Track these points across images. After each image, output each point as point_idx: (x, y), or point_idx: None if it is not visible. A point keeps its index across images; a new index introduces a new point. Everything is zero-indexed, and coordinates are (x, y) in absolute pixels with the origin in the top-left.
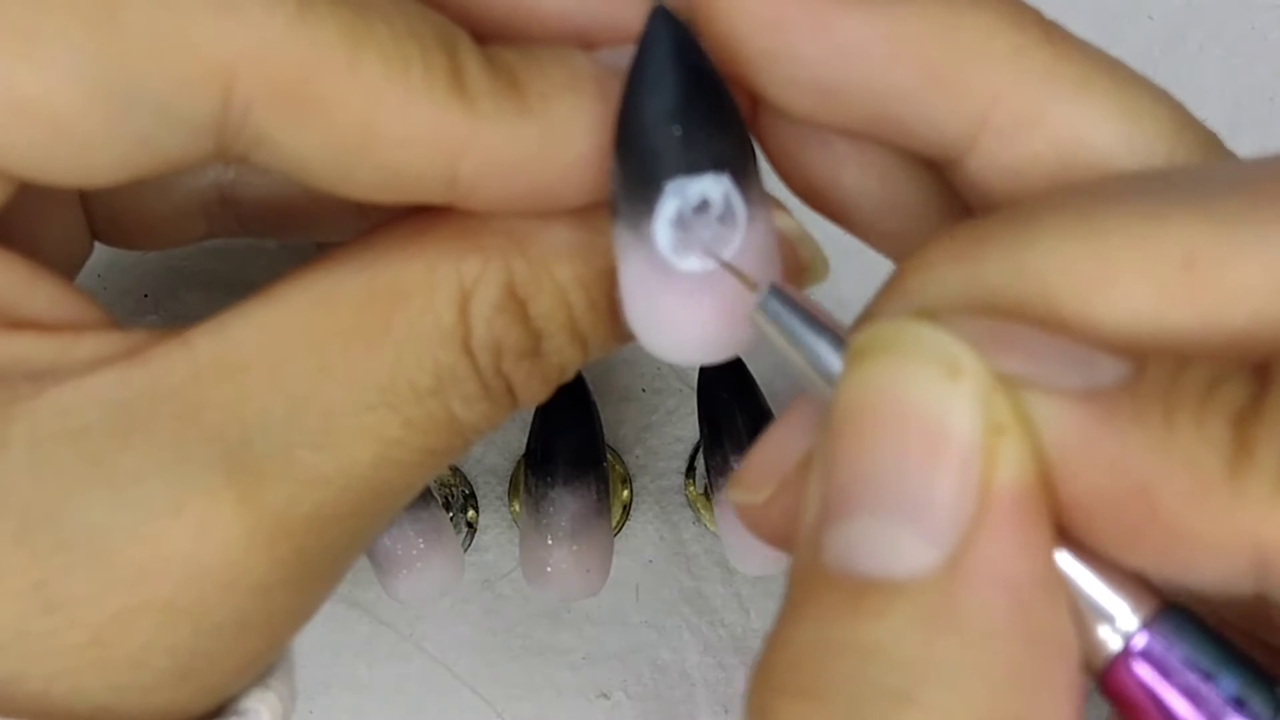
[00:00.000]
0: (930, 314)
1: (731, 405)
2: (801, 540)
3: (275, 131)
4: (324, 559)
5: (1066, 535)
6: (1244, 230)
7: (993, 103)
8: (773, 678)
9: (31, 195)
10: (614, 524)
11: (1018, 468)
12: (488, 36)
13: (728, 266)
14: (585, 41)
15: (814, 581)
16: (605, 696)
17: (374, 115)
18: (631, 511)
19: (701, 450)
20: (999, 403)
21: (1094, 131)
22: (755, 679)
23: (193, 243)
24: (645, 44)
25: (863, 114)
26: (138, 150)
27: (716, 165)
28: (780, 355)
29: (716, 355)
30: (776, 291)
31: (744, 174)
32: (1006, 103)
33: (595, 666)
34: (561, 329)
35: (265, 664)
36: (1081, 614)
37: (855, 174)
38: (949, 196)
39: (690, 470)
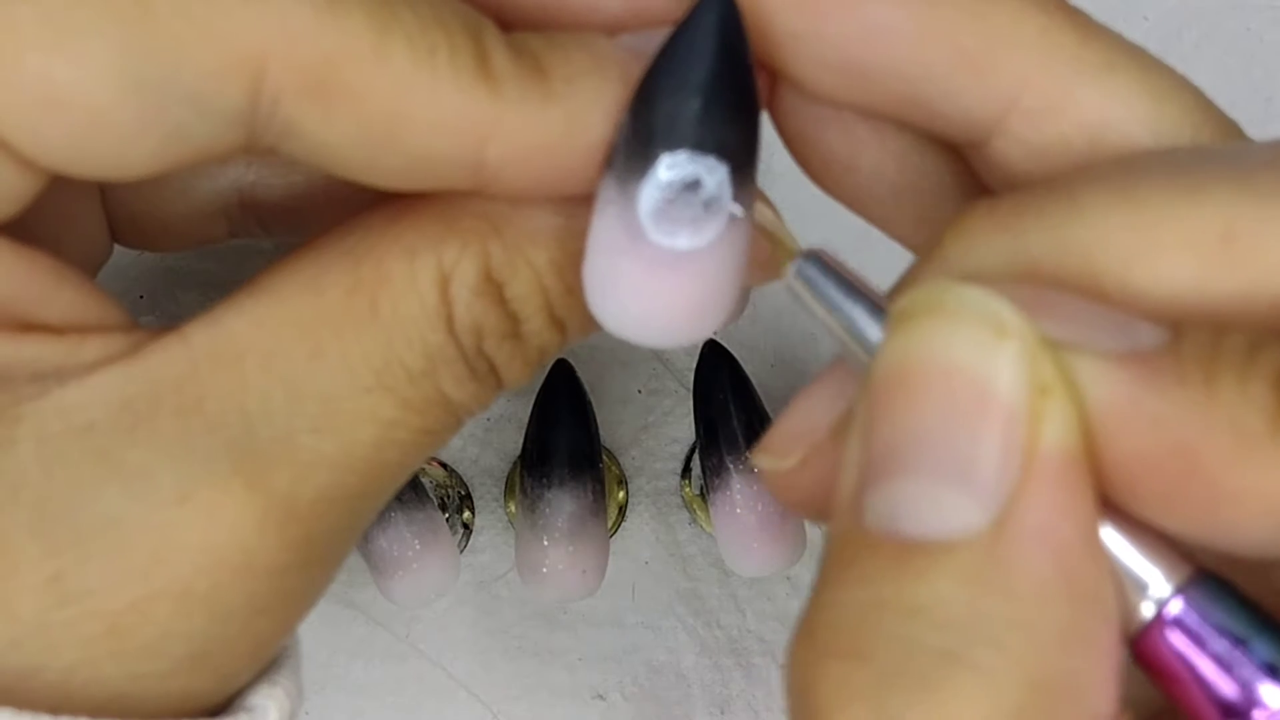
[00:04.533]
0: (973, 280)
1: (727, 407)
2: (841, 503)
3: (304, 121)
4: (330, 540)
5: (1104, 500)
6: None
7: (1021, 85)
8: (816, 640)
9: (55, 196)
10: (610, 525)
11: (1063, 428)
12: (512, 24)
13: (760, 226)
14: (609, 27)
15: (857, 543)
16: (601, 697)
17: (401, 102)
18: (627, 512)
19: (697, 451)
20: (1044, 364)
21: (1120, 114)
22: (797, 642)
23: (212, 244)
24: (696, 14)
25: (889, 95)
26: (170, 142)
27: (720, 152)
28: (816, 320)
29: (656, 336)
30: (813, 256)
31: (742, 172)
32: (1034, 85)
33: (591, 667)
34: (539, 312)
35: (276, 648)
36: (1117, 581)
37: (872, 156)
38: (964, 181)
39: (686, 471)
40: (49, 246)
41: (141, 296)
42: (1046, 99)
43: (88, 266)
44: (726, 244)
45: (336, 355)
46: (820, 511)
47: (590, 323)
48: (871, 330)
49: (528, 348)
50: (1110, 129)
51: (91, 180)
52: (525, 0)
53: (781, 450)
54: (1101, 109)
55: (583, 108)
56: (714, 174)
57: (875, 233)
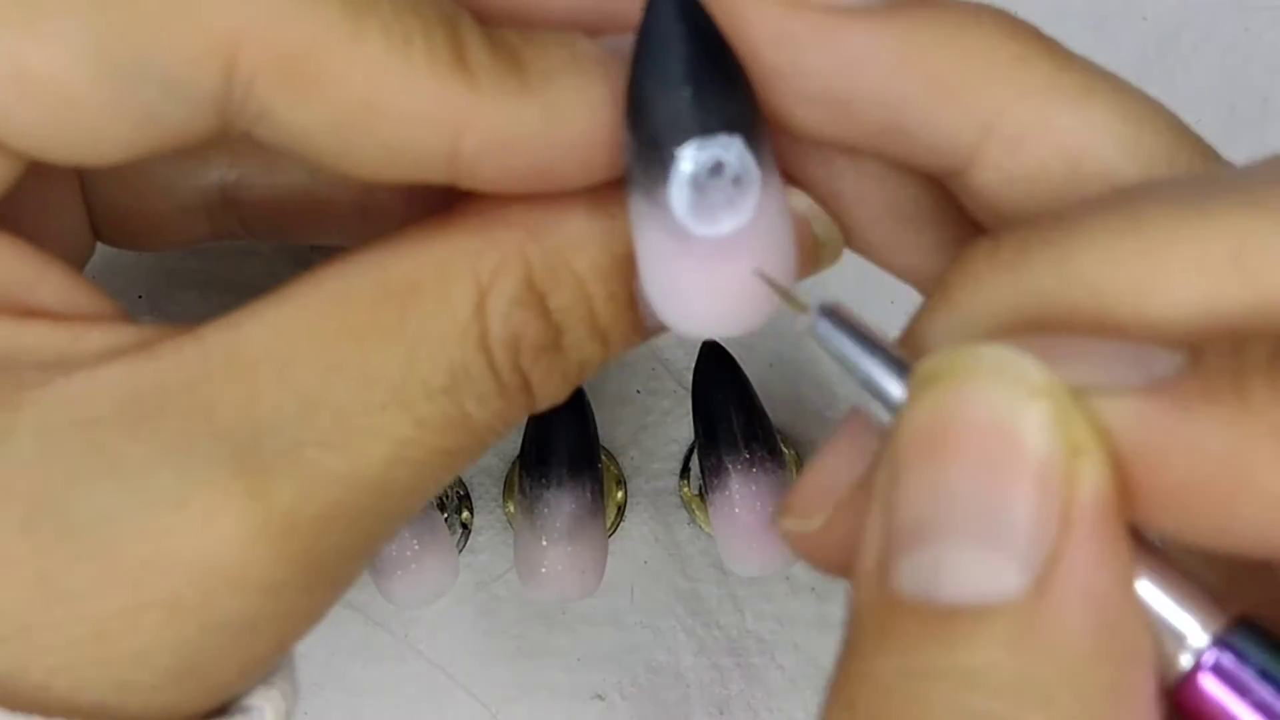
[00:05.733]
0: (986, 328)
1: (726, 407)
2: (865, 570)
3: (278, 106)
4: (334, 559)
5: (1144, 544)
6: None
7: (997, 112)
8: (858, 712)
9: (34, 190)
10: (609, 525)
11: (1098, 484)
12: (490, 23)
13: (780, 292)
14: (587, 32)
15: (889, 611)
16: (600, 698)
17: (376, 90)
18: (626, 513)
19: (696, 451)
20: (1077, 422)
21: (1097, 138)
22: (832, 715)
23: (194, 244)
24: (651, 8)
25: (870, 126)
26: (143, 126)
27: (729, 127)
28: (839, 375)
29: (735, 326)
30: (829, 311)
31: (755, 136)
32: (1011, 111)
33: (590, 667)
34: (581, 321)
35: (271, 665)
36: (1154, 632)
37: (853, 186)
38: (948, 211)
39: (685, 471)
40: (30, 234)
41: (140, 296)
42: (1022, 126)
43: (69, 264)
44: (768, 214)
45: (354, 368)
46: (850, 568)
47: (631, 332)
48: (891, 386)
49: (568, 361)
50: (1087, 154)
51: (66, 165)
52: (500, 2)
53: (805, 511)
54: (1078, 134)
55: (560, 102)
56: (731, 149)
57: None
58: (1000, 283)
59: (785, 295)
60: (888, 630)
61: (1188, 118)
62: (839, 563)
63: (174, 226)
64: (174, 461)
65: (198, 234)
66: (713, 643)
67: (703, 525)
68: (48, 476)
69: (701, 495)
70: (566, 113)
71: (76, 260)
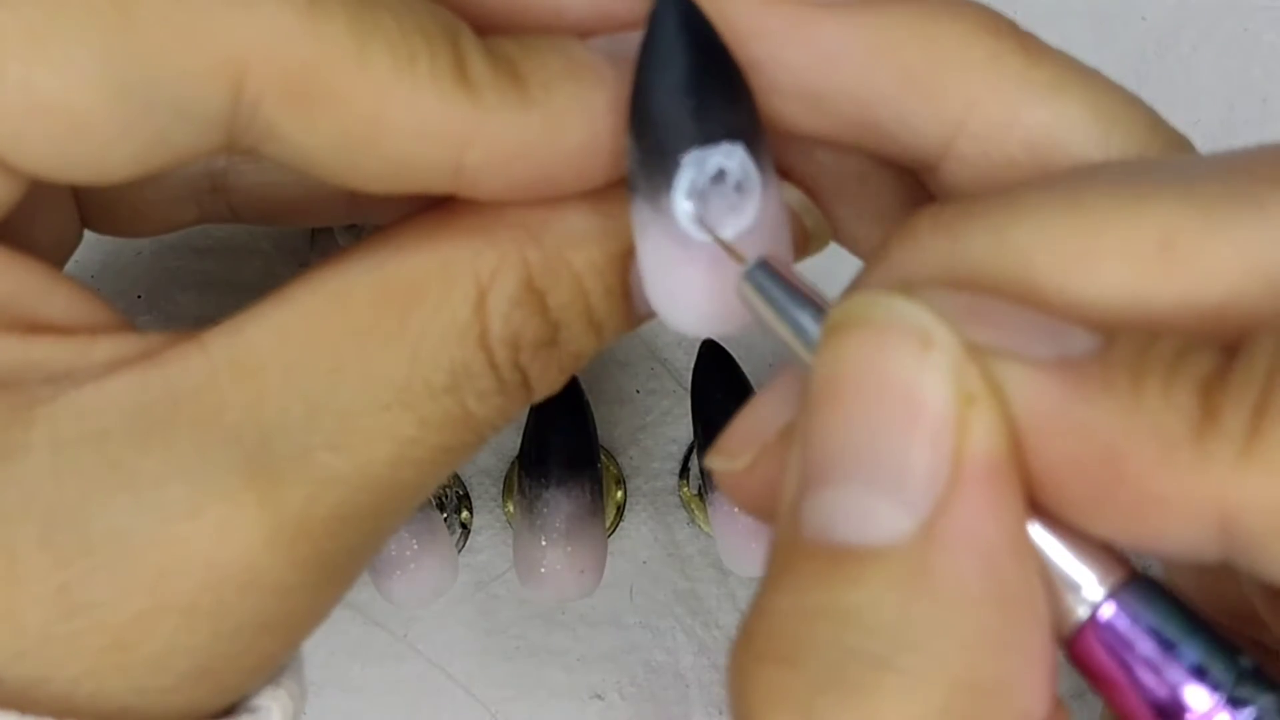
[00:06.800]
0: (907, 287)
1: (725, 406)
2: (782, 511)
3: (284, 125)
4: (342, 559)
5: (1037, 505)
6: (1220, 213)
7: (969, 107)
8: (753, 645)
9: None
10: (608, 525)
11: (989, 436)
12: (484, 27)
13: (718, 240)
14: (579, 30)
15: (794, 550)
16: (599, 697)
17: (381, 108)
18: (625, 512)
19: (695, 451)
20: (971, 373)
21: (1068, 133)
22: (736, 647)
23: (183, 228)
24: (655, 20)
25: (845, 120)
26: (151, 147)
27: (730, 135)
28: (764, 327)
29: (737, 325)
30: (763, 265)
31: (756, 143)
32: (982, 106)
33: (589, 667)
34: (579, 317)
35: (281, 663)
36: (1051, 583)
37: (832, 181)
38: (923, 204)
39: (684, 471)
40: (20, 236)
41: (140, 296)
42: (994, 121)
43: (59, 253)
44: (766, 217)
45: (357, 370)
46: (771, 513)
47: (625, 324)
48: (817, 334)
49: (564, 354)
50: (1058, 149)
51: (71, 184)
52: (492, 3)
53: (732, 452)
54: (1048, 129)
55: (559, 113)
56: (732, 157)
57: None
58: (937, 245)
59: (726, 248)
60: (788, 568)
61: (1187, 117)
62: (759, 504)
63: (163, 213)
64: (185, 471)
65: (186, 220)
66: (712, 643)
67: (702, 525)
68: (63, 491)
69: (701, 495)
70: (566, 123)
71: (65, 250)
